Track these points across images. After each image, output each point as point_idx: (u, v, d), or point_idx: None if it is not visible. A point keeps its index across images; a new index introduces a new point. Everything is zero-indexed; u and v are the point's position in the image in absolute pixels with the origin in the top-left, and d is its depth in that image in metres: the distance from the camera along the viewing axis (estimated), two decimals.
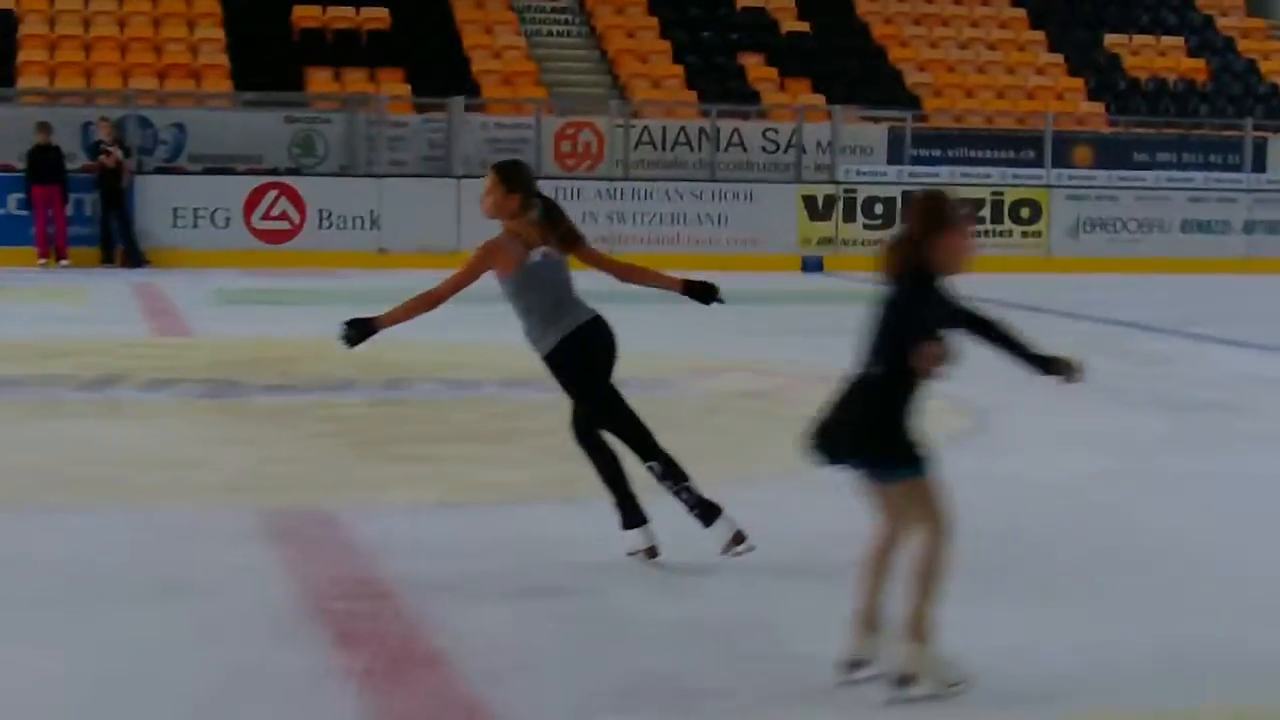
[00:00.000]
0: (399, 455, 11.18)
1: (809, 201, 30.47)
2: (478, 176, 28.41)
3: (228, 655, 6.75)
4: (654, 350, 16.07)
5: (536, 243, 8.19)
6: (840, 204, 30.57)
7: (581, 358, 8.26)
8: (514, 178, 8.26)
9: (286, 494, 10.02)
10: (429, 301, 8.38)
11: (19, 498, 9.83)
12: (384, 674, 6.50)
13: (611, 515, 8.34)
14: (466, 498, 10.00)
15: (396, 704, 6.17)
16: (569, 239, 8.33)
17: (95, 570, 8.09)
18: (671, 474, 8.23)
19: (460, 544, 8.76)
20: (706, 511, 8.19)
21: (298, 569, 8.25)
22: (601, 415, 8.31)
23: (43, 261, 27.11)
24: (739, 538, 8.13)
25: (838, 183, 30.83)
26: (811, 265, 29.77)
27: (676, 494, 8.22)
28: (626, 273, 8.62)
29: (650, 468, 8.24)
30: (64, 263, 27.09)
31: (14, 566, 8.18)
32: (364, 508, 9.56)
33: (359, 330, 8.46)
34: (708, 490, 8.27)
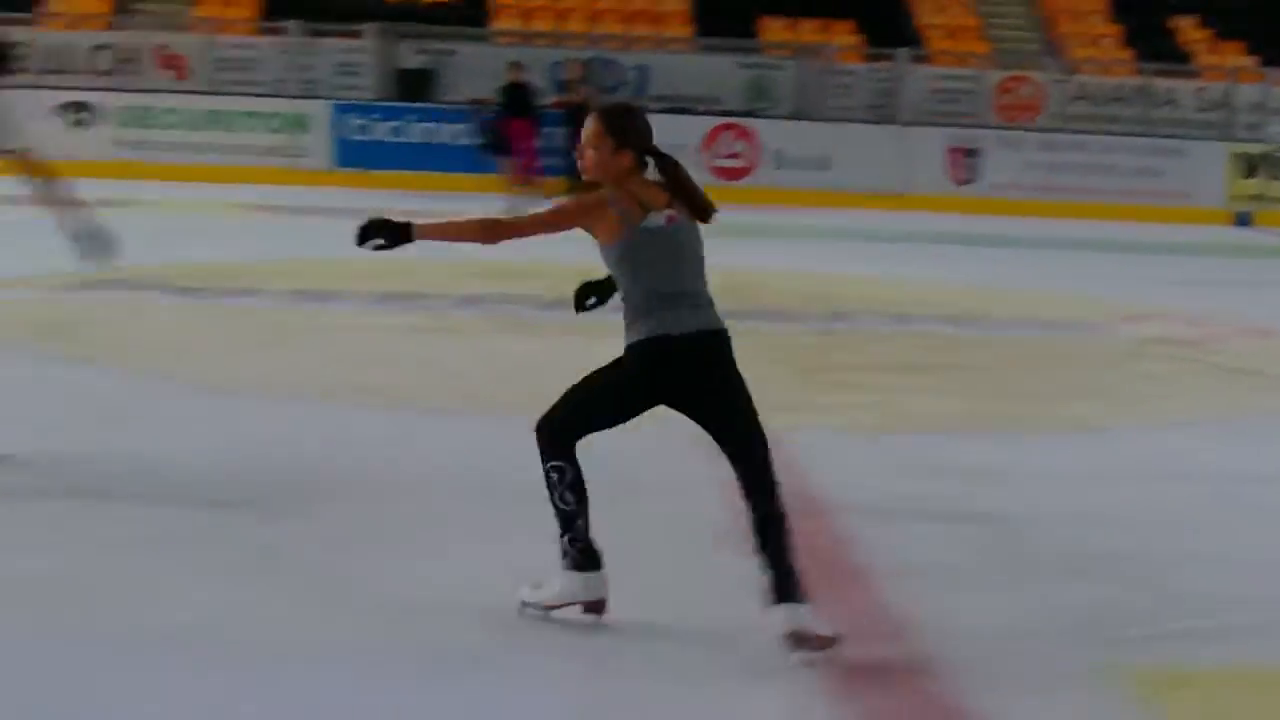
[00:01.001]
0: (837, 382, 11.18)
1: (1239, 159, 29.54)
2: (923, 124, 28.31)
3: (669, 556, 6.85)
4: (1087, 294, 15.79)
5: (659, 205, 6.24)
6: (1270, 162, 29.59)
7: (644, 377, 6.25)
8: (625, 129, 6.28)
9: None
10: (490, 233, 6.43)
11: (485, 403, 10.08)
12: (810, 586, 6.50)
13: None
14: (898, 425, 9.96)
15: (820, 615, 6.16)
16: (701, 206, 6.37)
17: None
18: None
19: (890, 467, 8.73)
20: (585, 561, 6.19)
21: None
22: (554, 443, 6.28)
23: (515, 189, 27.70)
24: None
25: (1268, 142, 29.84)
26: (1242, 220, 28.89)
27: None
28: None
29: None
30: (535, 191, 27.65)
31: (471, 465, 8.40)
32: (800, 429, 9.57)
33: (391, 234, 6.39)
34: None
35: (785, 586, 5.80)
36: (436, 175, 27.72)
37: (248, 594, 6.17)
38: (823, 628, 5.70)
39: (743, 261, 18.57)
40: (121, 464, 8.13)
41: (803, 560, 6.80)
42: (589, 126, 6.28)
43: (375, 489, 7.89)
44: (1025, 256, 20.93)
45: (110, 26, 30.95)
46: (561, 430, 6.24)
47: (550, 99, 28.83)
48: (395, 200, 25.18)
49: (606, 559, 6.23)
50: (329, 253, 17.85)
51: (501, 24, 32.43)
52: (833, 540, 7.27)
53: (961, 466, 8.81)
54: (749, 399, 6.23)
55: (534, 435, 6.24)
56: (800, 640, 5.67)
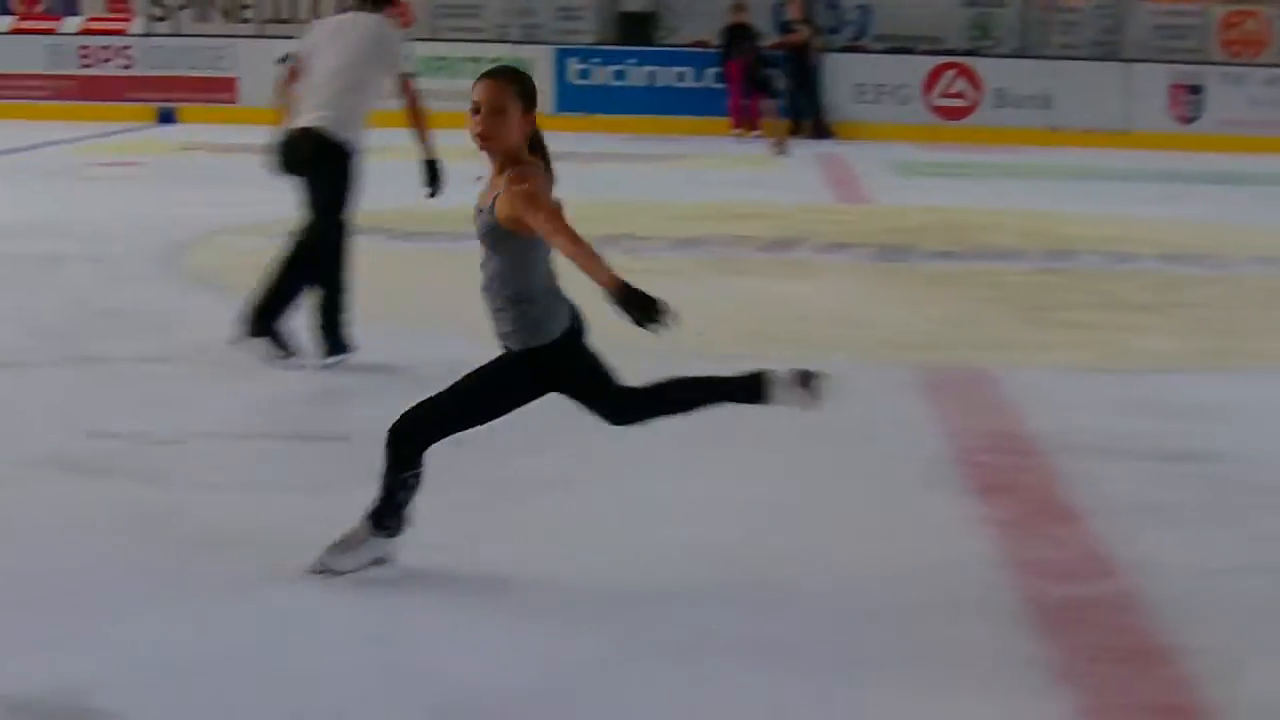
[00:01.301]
0: (1056, 321, 11.06)
1: None
2: (1147, 61, 27.79)
3: (878, 494, 6.85)
4: None
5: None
6: None
7: (554, 375, 5.79)
8: (533, 92, 5.63)
9: (945, 352, 10.04)
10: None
11: (698, 343, 10.11)
12: (1022, 524, 6.49)
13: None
14: (1119, 363, 9.84)
15: (1031, 553, 6.15)
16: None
17: (757, 411, 8.25)
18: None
19: (1108, 406, 8.63)
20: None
21: (949, 421, 8.30)
22: (416, 450, 5.64)
23: (736, 131, 27.68)
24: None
25: None
26: None
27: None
28: None
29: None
30: (755, 133, 27.59)
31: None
32: (1018, 368, 9.50)
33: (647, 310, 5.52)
34: None
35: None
36: (659, 118, 27.78)
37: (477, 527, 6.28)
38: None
39: (962, 201, 18.43)
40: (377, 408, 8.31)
41: (1013, 498, 6.82)
42: (493, 87, 5.47)
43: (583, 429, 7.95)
44: (1250, 194, 20.53)
45: None
46: (425, 438, 5.62)
47: (771, 39, 28.72)
48: (617, 143, 25.31)
49: (818, 497, 6.27)
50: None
51: None
52: (1046, 478, 7.22)
53: (1182, 404, 8.69)
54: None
55: (389, 440, 5.60)
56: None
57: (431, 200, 9.44)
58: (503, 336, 5.67)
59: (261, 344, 9.03)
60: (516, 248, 5.56)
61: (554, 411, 5.90)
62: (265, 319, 9.03)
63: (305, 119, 9.08)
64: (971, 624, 5.42)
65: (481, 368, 5.70)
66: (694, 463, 7.32)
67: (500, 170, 5.57)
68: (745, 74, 27.53)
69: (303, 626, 5.27)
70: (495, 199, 5.52)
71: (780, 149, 24.65)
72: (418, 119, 9.32)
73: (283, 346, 9.06)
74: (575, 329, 5.78)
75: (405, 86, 9.28)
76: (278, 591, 5.55)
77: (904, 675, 5.00)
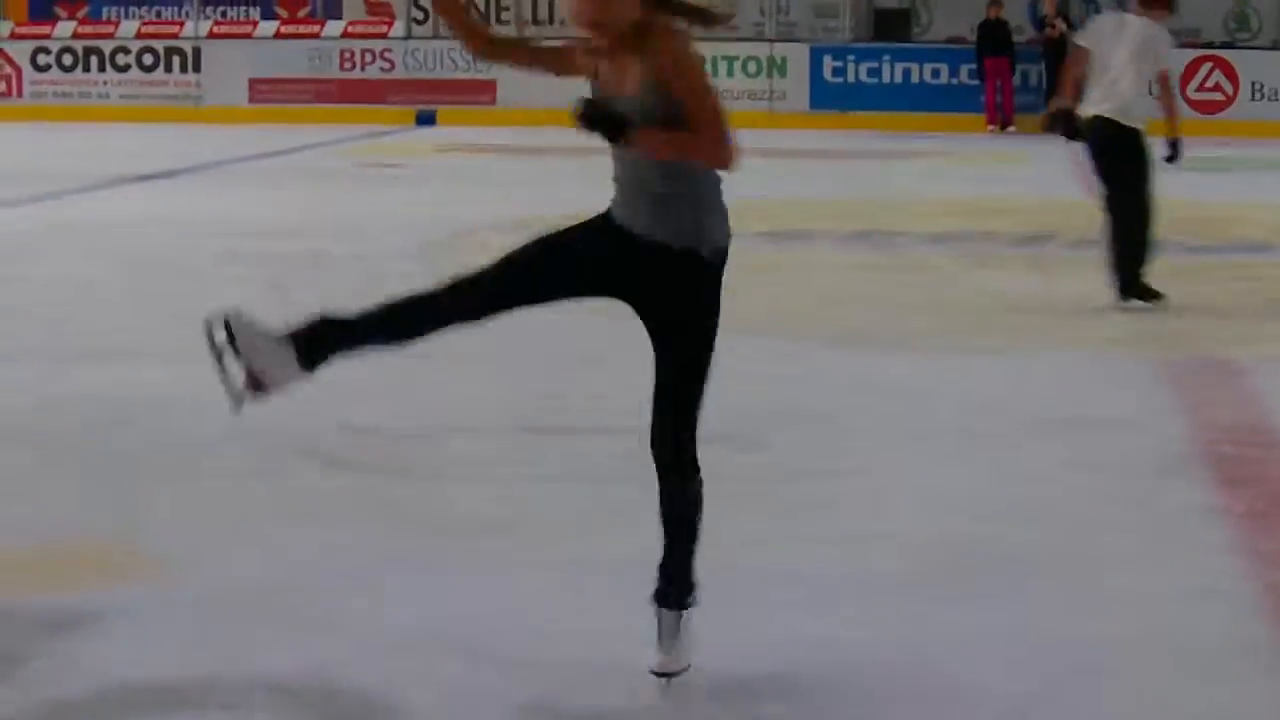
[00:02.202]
0: None
1: None
2: None
3: (1117, 488, 6.86)
4: None
5: None
6: None
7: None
8: None
9: (1192, 344, 9.97)
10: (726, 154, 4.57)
11: (945, 337, 10.16)
12: (1262, 516, 6.46)
13: None
14: None
15: (1270, 545, 6.13)
16: None
17: (1003, 405, 8.31)
18: None
19: None
20: None
21: (1194, 413, 8.25)
22: (693, 454, 4.79)
23: (991, 128, 27.54)
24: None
25: None
26: None
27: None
28: None
29: None
30: (1010, 129, 27.42)
31: (935, 398, 8.51)
32: (1266, 361, 9.40)
33: (610, 125, 4.48)
34: None
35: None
36: (914, 115, 27.72)
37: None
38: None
39: (1216, 195, 18.17)
40: (588, 401, 8.48)
41: (1254, 490, 6.79)
42: None
43: (828, 422, 8.05)
44: None
45: None
46: (694, 434, 4.78)
47: (1028, 36, 28.53)
48: (871, 140, 25.32)
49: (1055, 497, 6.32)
50: (803, 194, 18.15)
51: None
52: None
53: None
54: None
55: (659, 457, 4.77)
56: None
57: (1170, 163, 11.35)
58: (675, 235, 4.63)
59: (1146, 295, 10.77)
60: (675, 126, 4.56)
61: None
62: (1130, 281, 10.76)
63: (1098, 108, 10.87)
64: (1207, 611, 5.43)
65: (689, 318, 4.67)
66: (928, 456, 7.39)
67: (624, 44, 4.62)
68: (989, 70, 27.32)
69: (543, 611, 5.43)
70: (649, 73, 4.57)
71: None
72: (1170, 104, 11.35)
73: (1153, 294, 10.77)
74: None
75: (1163, 79, 11.14)
76: (529, 575, 5.73)
77: (1140, 660, 5.03)
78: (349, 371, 8.24)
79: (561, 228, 4.77)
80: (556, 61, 4.92)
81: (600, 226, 4.75)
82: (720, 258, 4.67)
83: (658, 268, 4.64)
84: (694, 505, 4.80)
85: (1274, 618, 5.38)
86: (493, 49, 4.95)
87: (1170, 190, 18.60)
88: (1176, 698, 4.77)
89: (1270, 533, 6.24)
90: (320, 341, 4.81)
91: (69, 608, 5.39)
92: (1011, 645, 5.13)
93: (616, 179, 4.74)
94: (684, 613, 4.83)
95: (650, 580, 4.82)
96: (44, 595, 5.56)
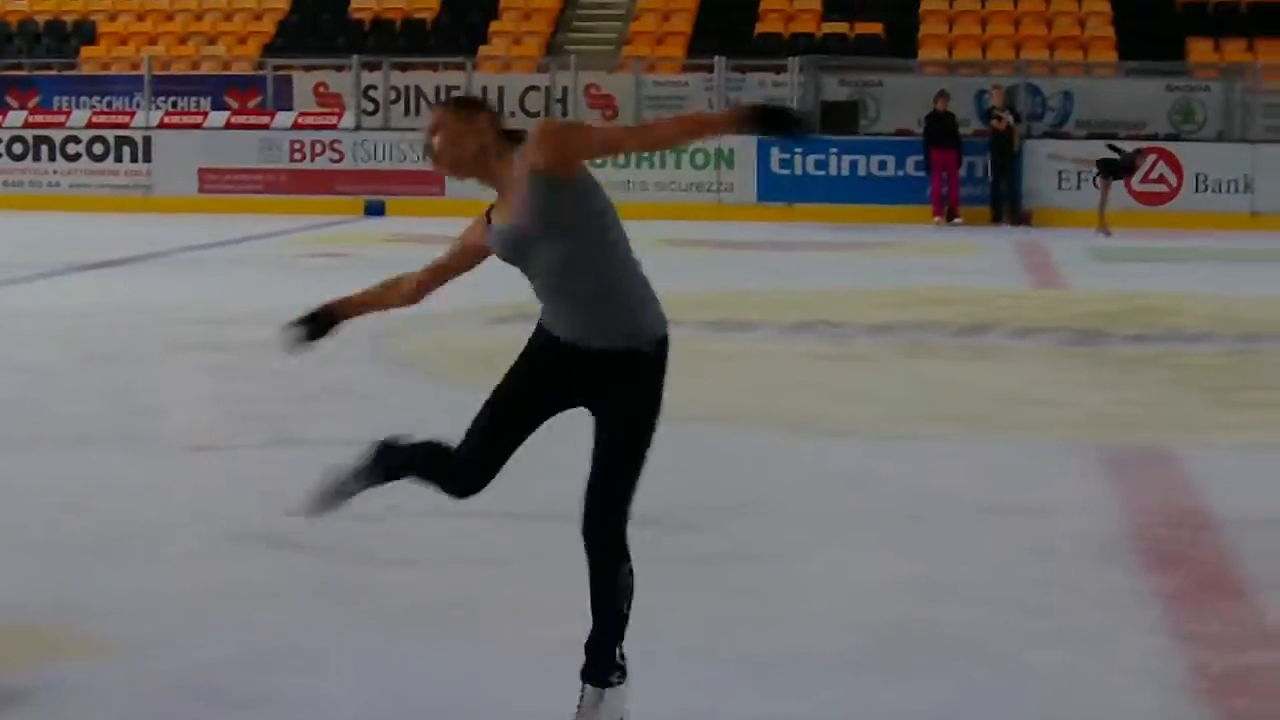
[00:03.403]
0: (1242, 402, 11.14)
1: None
2: None
3: (1051, 570, 7.02)
4: None
5: None
6: None
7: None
8: (471, 101, 5.16)
9: (1130, 432, 10.15)
10: (419, 290, 5.56)
11: (886, 425, 10.33)
12: (1191, 597, 6.63)
13: None
14: None
15: (1199, 624, 6.29)
16: None
17: (943, 490, 8.49)
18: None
19: None
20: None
21: (1128, 498, 8.44)
22: (622, 539, 5.05)
23: (937, 220, 27.81)
24: None
25: None
26: None
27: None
28: None
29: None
30: (956, 221, 27.70)
31: (876, 484, 8.67)
32: (1200, 448, 9.60)
33: (310, 324, 5.72)
34: None
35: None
36: (860, 207, 27.99)
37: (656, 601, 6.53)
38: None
39: (1158, 285, 18.45)
40: (532, 481, 8.59)
41: (1184, 571, 6.96)
42: (434, 118, 5.00)
43: (770, 507, 8.21)
44: None
45: (542, 69, 32.04)
46: (625, 520, 5.01)
47: (974, 128, 28.88)
48: (818, 232, 25.57)
49: (992, 579, 6.48)
50: (748, 285, 18.34)
51: (928, 54, 32.61)
52: (1220, 553, 7.34)
53: None
54: None
55: (589, 540, 4.98)
56: None
57: None
58: (614, 338, 4.88)
59: None
60: (585, 224, 4.83)
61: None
62: None
63: None
64: (1136, 690, 5.58)
65: (630, 412, 4.93)
66: (869, 540, 7.55)
67: (500, 180, 4.95)
68: (935, 162, 27.65)
69: (494, 693, 5.54)
70: (530, 172, 4.80)
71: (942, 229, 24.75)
72: None
73: None
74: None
75: None
76: (480, 658, 5.84)
77: None
78: (298, 456, 8.38)
79: (510, 368, 5.08)
80: (465, 253, 5.22)
81: (542, 346, 5.00)
82: (661, 347, 4.92)
83: (604, 370, 4.89)
84: (621, 589, 4.98)
85: (1201, 696, 5.53)
86: (418, 292, 5.40)
87: (1114, 281, 19.02)
88: None
89: (1198, 613, 6.41)
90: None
91: (9, 686, 5.49)
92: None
93: (540, 294, 4.98)
94: (604, 690, 4.98)
95: (564, 654, 4.96)
96: None
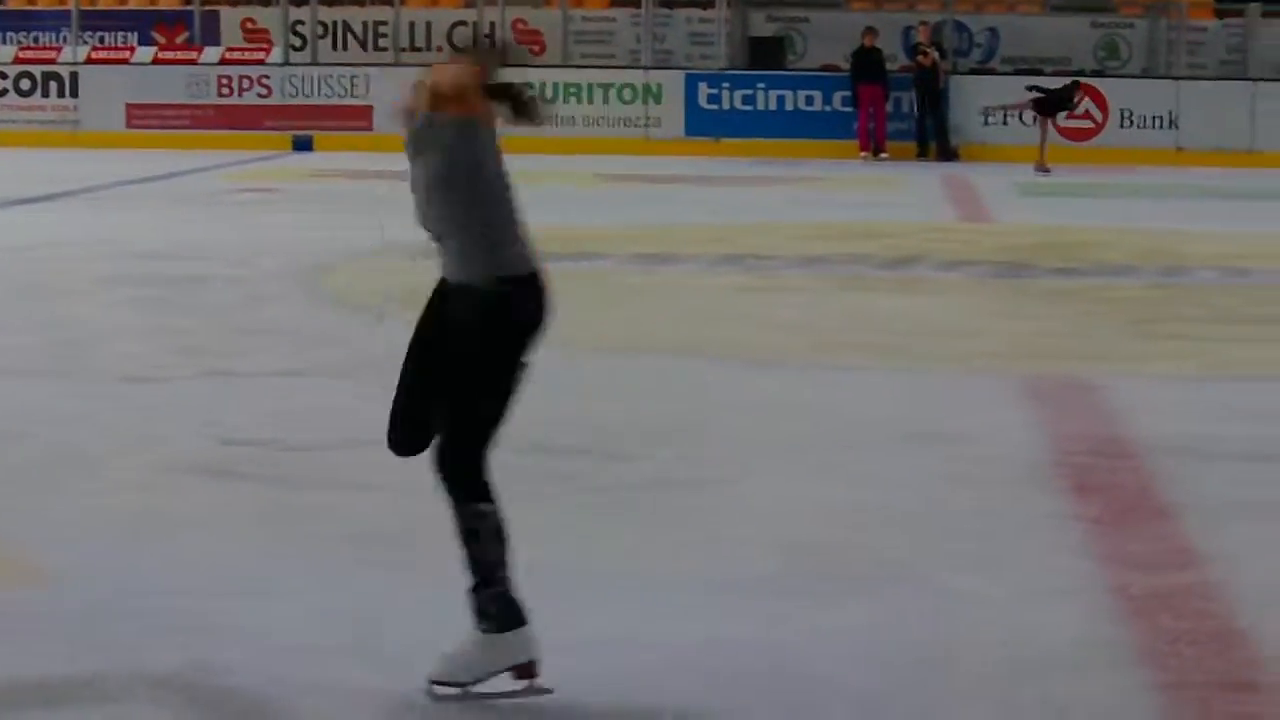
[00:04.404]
0: (1164, 334, 11.29)
1: None
2: (1275, 80, 27.74)
3: (974, 496, 7.15)
4: None
5: None
6: None
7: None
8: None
9: (1051, 362, 10.30)
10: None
11: (813, 355, 10.45)
12: (1113, 521, 6.77)
13: None
14: (1222, 372, 10.06)
15: (1120, 547, 6.42)
16: None
17: (868, 418, 8.61)
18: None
19: (1208, 412, 8.87)
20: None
21: (1049, 427, 8.59)
22: (475, 478, 4.93)
23: (864, 155, 27.90)
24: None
25: None
26: None
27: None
28: None
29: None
30: (883, 156, 27.79)
31: (803, 412, 8.79)
32: (1121, 377, 9.75)
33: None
34: None
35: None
36: (788, 142, 28.05)
37: (589, 527, 6.64)
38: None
39: (1083, 220, 18.61)
40: None
41: (1106, 497, 7.10)
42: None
43: (700, 434, 8.31)
44: None
45: (469, 4, 31.95)
46: (466, 460, 4.92)
47: (901, 64, 28.96)
48: (745, 167, 25.64)
49: (916, 505, 6.59)
50: (677, 219, 18.41)
51: None
52: (1141, 479, 7.48)
53: None
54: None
55: (437, 476, 4.92)
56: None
57: None
58: (452, 272, 4.95)
59: None
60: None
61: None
62: None
63: None
64: (1058, 609, 5.71)
65: (456, 348, 4.88)
66: (798, 467, 7.66)
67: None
68: (863, 98, 27.75)
69: (428, 616, 5.62)
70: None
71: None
72: None
73: None
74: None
75: None
76: (414, 583, 5.92)
77: (988, 656, 5.30)
78: (232, 388, 8.42)
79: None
80: None
81: (434, 287, 5.03)
82: (500, 287, 4.85)
83: (446, 302, 4.94)
84: (470, 531, 4.88)
85: (1121, 617, 5.66)
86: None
87: (1039, 215, 19.18)
88: (1019, 691, 5.04)
89: (1119, 537, 6.54)
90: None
91: None
92: (867, 644, 5.39)
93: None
94: (477, 634, 4.90)
95: (529, 587, 5.00)
96: None
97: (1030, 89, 26.16)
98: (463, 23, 31.15)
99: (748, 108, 28.77)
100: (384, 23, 30.96)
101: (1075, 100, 25.92)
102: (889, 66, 28.45)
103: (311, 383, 9.48)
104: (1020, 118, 26.53)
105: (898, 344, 10.80)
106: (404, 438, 5.06)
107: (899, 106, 28.38)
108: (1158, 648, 5.36)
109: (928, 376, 9.83)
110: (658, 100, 28.72)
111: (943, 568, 6.16)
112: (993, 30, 30.45)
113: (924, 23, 28.99)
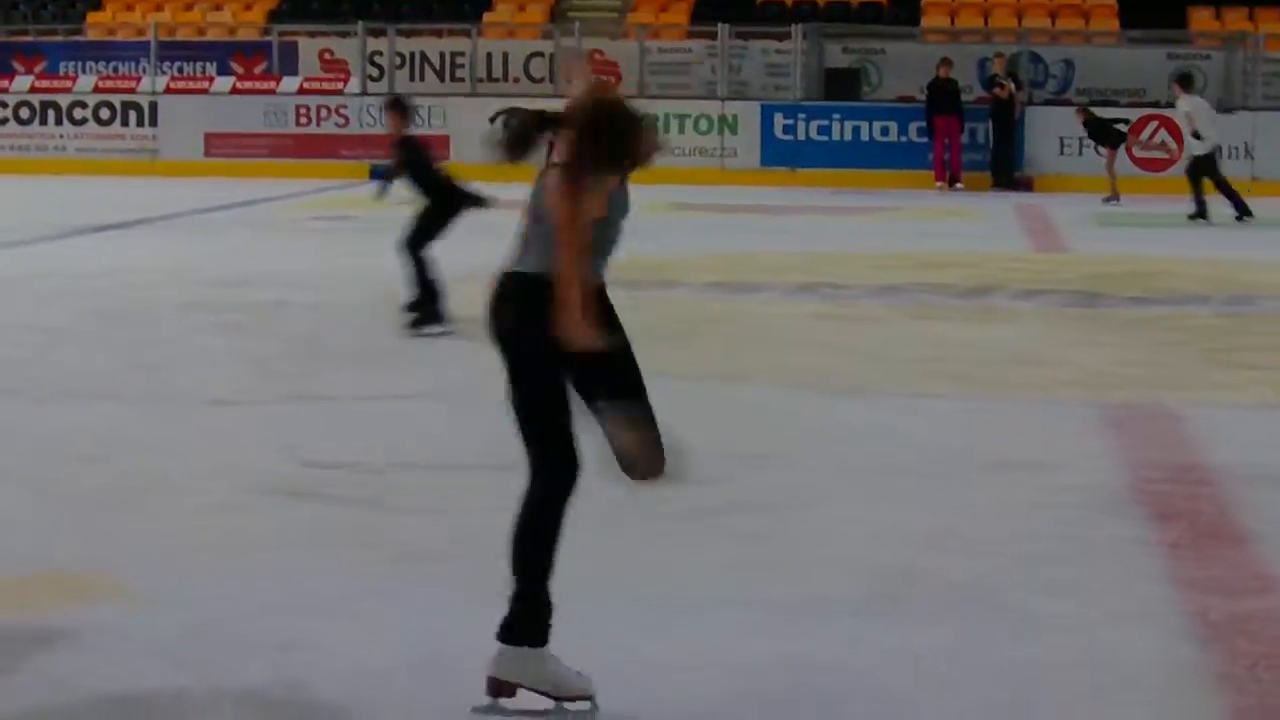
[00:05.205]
0: (1238, 363, 11.29)
1: None
2: None
3: (1054, 522, 7.16)
4: None
5: None
6: None
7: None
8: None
9: (1130, 390, 10.29)
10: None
11: (891, 383, 10.47)
12: (1191, 547, 6.77)
13: None
14: None
15: (1199, 573, 6.43)
16: None
17: (947, 447, 8.62)
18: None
19: None
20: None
21: (1129, 454, 8.58)
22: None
23: (939, 185, 27.88)
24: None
25: None
26: None
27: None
28: None
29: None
30: (958, 186, 27.77)
31: (882, 440, 8.80)
32: (1199, 405, 9.73)
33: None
34: None
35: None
36: (863, 172, 28.05)
37: (671, 550, 6.69)
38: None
39: (1156, 250, 18.56)
40: None
41: (1184, 523, 7.10)
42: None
43: (779, 460, 8.34)
44: None
45: (546, 35, 32.10)
46: (535, 458, 5.22)
47: (976, 95, 28.93)
48: (820, 197, 25.66)
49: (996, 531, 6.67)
50: (753, 248, 18.45)
51: (930, 22, 32.64)
52: (1219, 506, 7.48)
53: None
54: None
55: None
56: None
57: None
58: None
59: None
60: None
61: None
62: None
63: None
64: (1137, 633, 5.72)
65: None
66: (878, 494, 7.69)
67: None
68: (938, 129, 27.75)
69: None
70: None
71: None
72: None
73: None
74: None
75: None
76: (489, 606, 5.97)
77: (1071, 680, 5.32)
78: (312, 412, 8.50)
79: None
80: None
81: None
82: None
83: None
84: (530, 508, 5.11)
85: (1200, 641, 5.67)
86: None
87: (1113, 245, 19.13)
88: (1100, 715, 5.06)
89: (1198, 562, 6.55)
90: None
91: (47, 629, 5.64)
92: (948, 667, 5.41)
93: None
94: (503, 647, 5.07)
95: (590, 606, 5.05)
96: (27, 618, 5.80)
97: (1081, 109, 26.32)
98: (539, 54, 31.28)
99: (823, 138, 28.80)
100: (461, 53, 31.12)
101: (1122, 144, 26.12)
102: (964, 97, 28.42)
103: (390, 406, 9.57)
104: (1096, 150, 26.45)
105: (975, 373, 10.81)
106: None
107: (974, 137, 28.35)
108: (1235, 672, 5.37)
109: (1006, 405, 9.84)
110: (733, 131, 28.79)
111: (1023, 592, 6.19)
112: (1068, 62, 30.37)
113: (999, 54, 28.98)
